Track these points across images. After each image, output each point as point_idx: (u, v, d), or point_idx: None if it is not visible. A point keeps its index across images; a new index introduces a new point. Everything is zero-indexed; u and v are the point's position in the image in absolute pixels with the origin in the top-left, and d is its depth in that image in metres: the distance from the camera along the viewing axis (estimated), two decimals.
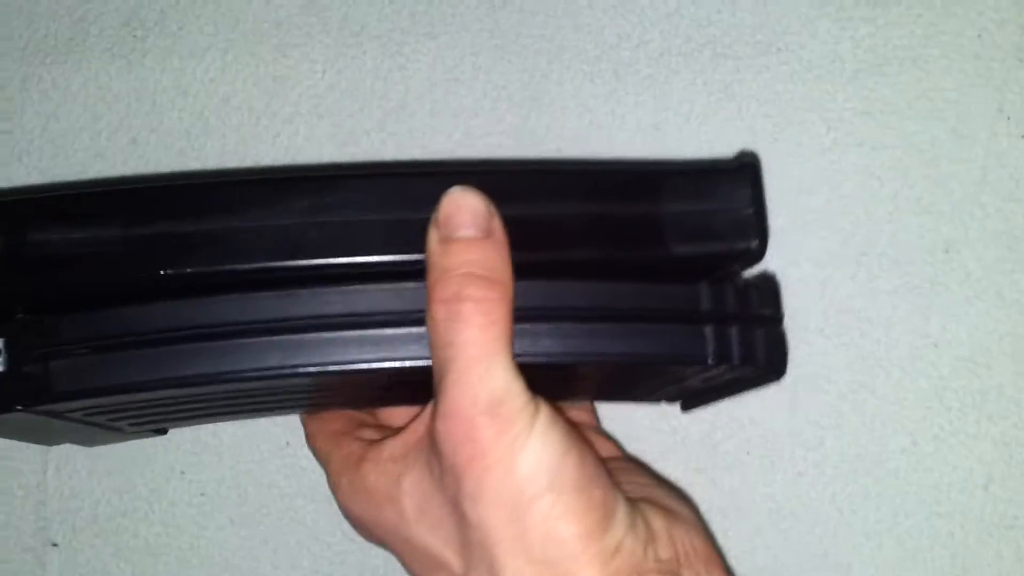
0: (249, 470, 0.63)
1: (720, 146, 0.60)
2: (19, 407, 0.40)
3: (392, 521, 0.45)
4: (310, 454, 0.60)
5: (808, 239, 0.59)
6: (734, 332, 0.42)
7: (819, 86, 0.60)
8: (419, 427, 0.45)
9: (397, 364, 0.40)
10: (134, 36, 0.65)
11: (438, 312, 0.39)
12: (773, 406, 0.59)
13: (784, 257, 0.60)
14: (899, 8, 0.59)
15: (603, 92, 0.61)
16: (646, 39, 0.61)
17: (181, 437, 0.63)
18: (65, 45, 0.65)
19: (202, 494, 0.64)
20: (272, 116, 0.64)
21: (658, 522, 0.43)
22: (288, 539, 0.63)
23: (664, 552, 0.42)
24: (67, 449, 0.63)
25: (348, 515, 0.50)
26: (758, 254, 0.42)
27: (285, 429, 0.63)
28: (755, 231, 0.41)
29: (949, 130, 0.58)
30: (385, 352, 0.40)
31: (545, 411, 0.40)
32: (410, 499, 0.43)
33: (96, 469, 0.64)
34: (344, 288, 0.40)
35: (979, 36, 0.58)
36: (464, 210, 0.39)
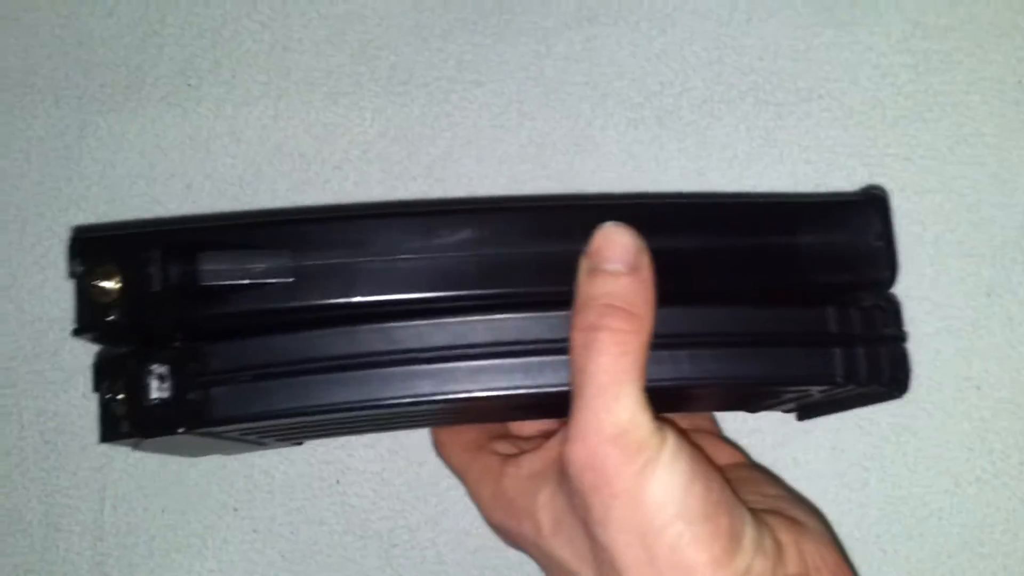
0: (300, 507, 0.64)
1: (764, 190, 0.61)
2: (181, 429, 0.42)
3: (530, 533, 0.45)
4: (360, 492, 0.61)
5: None
6: (861, 352, 0.44)
7: (860, 132, 0.60)
8: (555, 445, 0.45)
9: (539, 391, 0.42)
10: (189, 84, 0.67)
11: (576, 338, 0.40)
12: (817, 447, 0.60)
13: None
14: (939, 55, 0.59)
15: (646, 138, 0.62)
16: (689, 86, 0.62)
17: (235, 475, 0.64)
18: (122, 93, 0.67)
19: (255, 531, 0.66)
20: (322, 162, 0.65)
21: (786, 536, 0.44)
22: (338, 574, 0.64)
23: (793, 567, 0.43)
24: (124, 486, 0.65)
25: (490, 522, 0.51)
26: (889, 283, 0.44)
27: (336, 468, 0.64)
28: (887, 262, 0.44)
29: (990, 175, 0.59)
30: (530, 380, 0.42)
31: (672, 440, 0.40)
32: (546, 514, 0.44)
33: (151, 507, 0.66)
34: (494, 316, 0.42)
35: (1019, 82, 0.59)
36: (615, 245, 0.41)
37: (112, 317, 0.42)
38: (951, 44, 0.59)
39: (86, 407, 0.66)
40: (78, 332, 0.44)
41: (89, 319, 0.43)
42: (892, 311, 0.45)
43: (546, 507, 0.44)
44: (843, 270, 0.44)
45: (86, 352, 0.61)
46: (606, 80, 0.62)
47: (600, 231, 0.41)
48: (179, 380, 0.42)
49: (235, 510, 0.65)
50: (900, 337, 0.45)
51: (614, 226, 0.41)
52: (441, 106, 0.64)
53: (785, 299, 0.43)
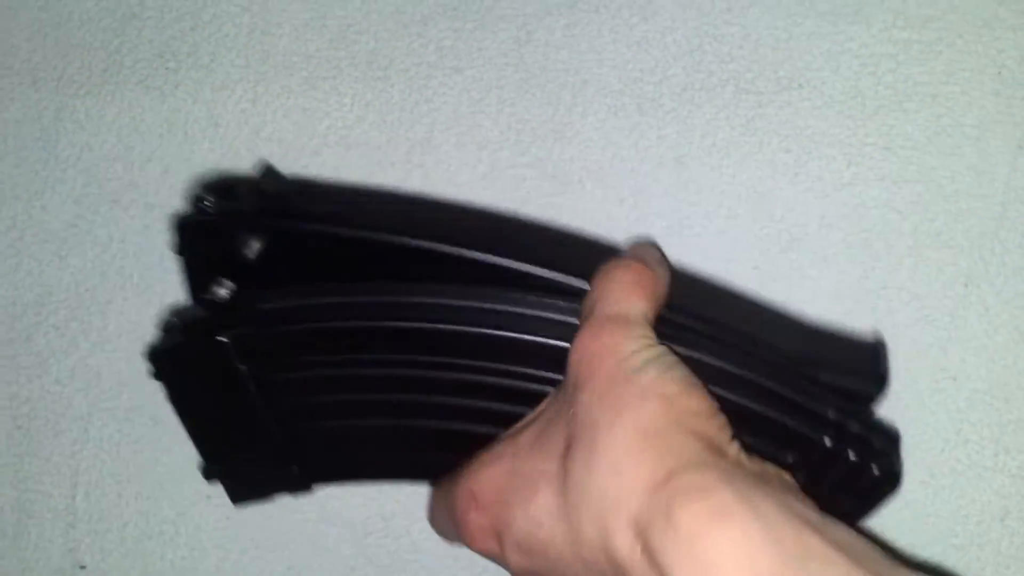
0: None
1: (743, 179, 0.61)
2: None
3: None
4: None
5: (828, 273, 0.60)
6: (854, 425, 0.46)
7: (840, 121, 0.60)
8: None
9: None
10: (167, 68, 0.66)
11: (604, 268, 0.45)
12: None
13: (805, 291, 0.60)
14: (920, 45, 0.59)
15: (626, 126, 0.62)
16: (669, 74, 0.62)
17: None
18: (99, 76, 0.67)
19: (227, 518, 0.65)
20: (301, 148, 0.65)
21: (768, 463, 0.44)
22: (311, 562, 0.64)
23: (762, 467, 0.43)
24: (96, 473, 0.64)
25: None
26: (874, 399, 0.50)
27: None
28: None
29: (969, 166, 0.59)
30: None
31: (672, 355, 0.43)
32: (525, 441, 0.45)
33: (124, 493, 0.65)
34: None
35: (999, 73, 0.59)
36: (637, 248, 0.48)
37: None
38: (931, 34, 0.59)
39: (59, 392, 0.65)
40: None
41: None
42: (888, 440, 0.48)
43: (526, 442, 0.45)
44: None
45: (58, 337, 0.61)
46: (586, 67, 0.62)
47: (629, 247, 0.48)
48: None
49: (208, 497, 0.65)
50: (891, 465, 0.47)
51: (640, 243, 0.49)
52: (421, 92, 0.64)
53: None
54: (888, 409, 0.58)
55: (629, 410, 0.40)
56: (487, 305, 0.46)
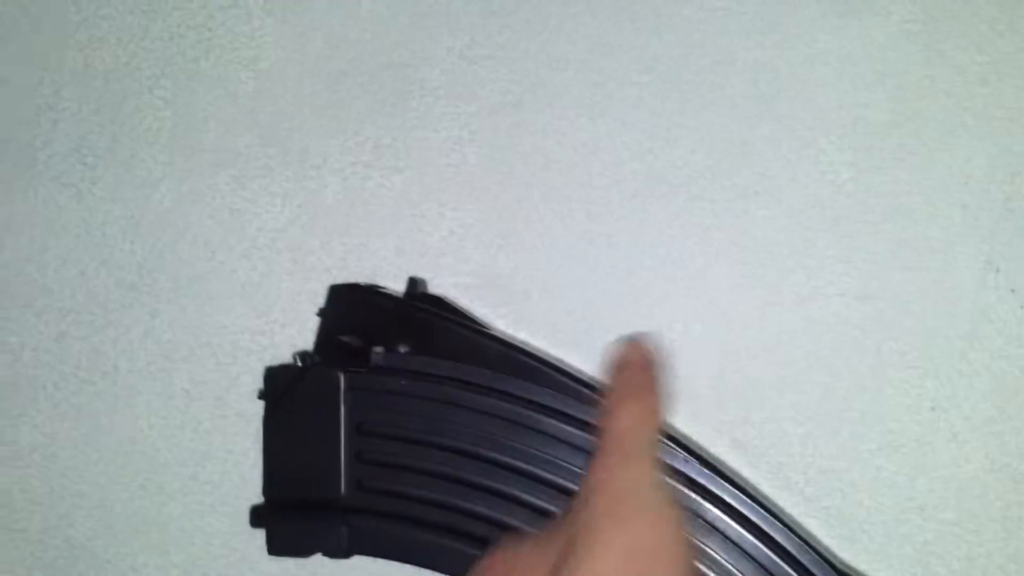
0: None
1: (697, 292, 0.57)
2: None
3: None
4: None
5: (787, 393, 0.57)
6: None
7: (799, 232, 0.57)
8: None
9: None
10: (84, 164, 0.62)
11: (607, 403, 0.48)
12: None
13: (763, 411, 0.57)
14: (882, 153, 0.56)
15: (574, 233, 0.59)
16: (619, 178, 0.58)
17: None
18: (11, 171, 0.63)
19: None
20: (229, 250, 0.61)
21: None
22: None
23: None
24: None
25: None
26: None
27: None
28: None
29: (934, 281, 0.56)
30: None
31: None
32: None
33: None
34: None
35: (966, 183, 0.56)
36: (630, 347, 0.49)
37: None
38: (894, 141, 0.56)
39: None
40: None
41: None
42: None
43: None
44: None
45: None
46: (532, 170, 0.59)
47: (619, 343, 0.49)
48: None
49: None
50: None
51: (630, 339, 0.50)
52: (357, 193, 0.60)
53: None
54: (852, 541, 0.55)
55: (624, 536, 0.43)
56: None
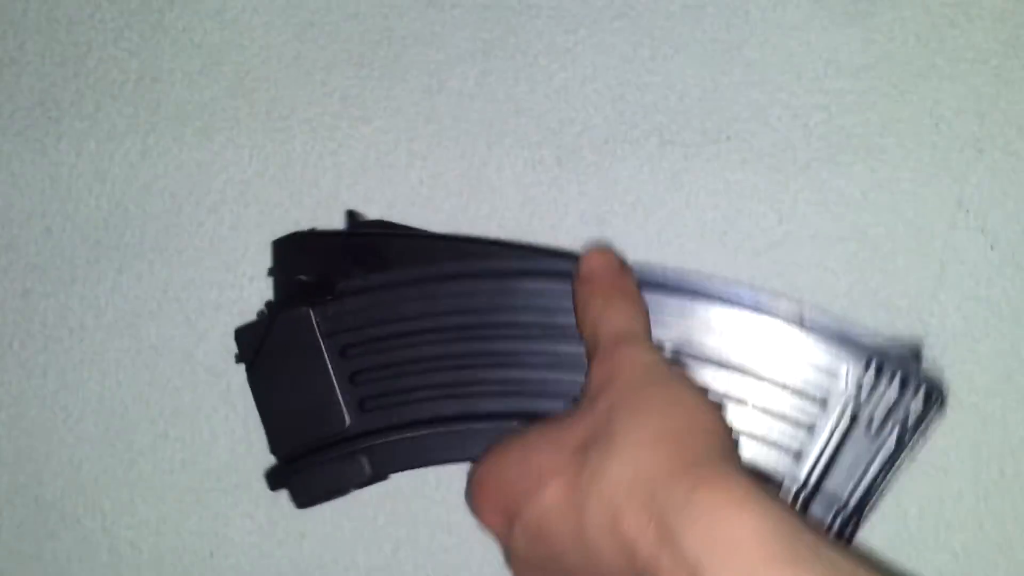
0: None
1: (668, 237, 0.57)
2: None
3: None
4: (236, 565, 0.57)
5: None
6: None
7: (770, 176, 0.57)
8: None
9: None
10: (48, 117, 0.61)
11: (586, 316, 0.49)
12: None
13: None
14: (853, 95, 0.56)
15: (545, 180, 0.58)
16: (590, 125, 0.58)
17: (98, 548, 0.59)
18: None
19: None
20: (196, 204, 0.60)
21: None
22: None
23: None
24: None
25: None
26: None
27: (210, 541, 0.59)
28: None
29: (906, 222, 0.56)
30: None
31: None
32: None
33: None
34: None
35: (936, 125, 0.56)
36: (598, 259, 0.50)
37: None
38: (865, 84, 0.56)
39: None
40: None
41: None
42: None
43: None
44: None
45: None
46: (502, 118, 0.58)
47: (586, 253, 0.50)
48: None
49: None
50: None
51: (596, 248, 0.51)
52: (325, 144, 0.60)
53: None
54: None
55: (650, 412, 0.43)
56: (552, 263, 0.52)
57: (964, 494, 0.56)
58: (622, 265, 0.50)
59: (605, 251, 0.51)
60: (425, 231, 0.56)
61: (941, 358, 0.56)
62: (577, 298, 0.50)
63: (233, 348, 0.54)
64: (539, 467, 0.44)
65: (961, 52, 0.56)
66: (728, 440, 0.44)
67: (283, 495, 0.53)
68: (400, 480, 0.57)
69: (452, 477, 0.58)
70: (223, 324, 0.60)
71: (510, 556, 0.47)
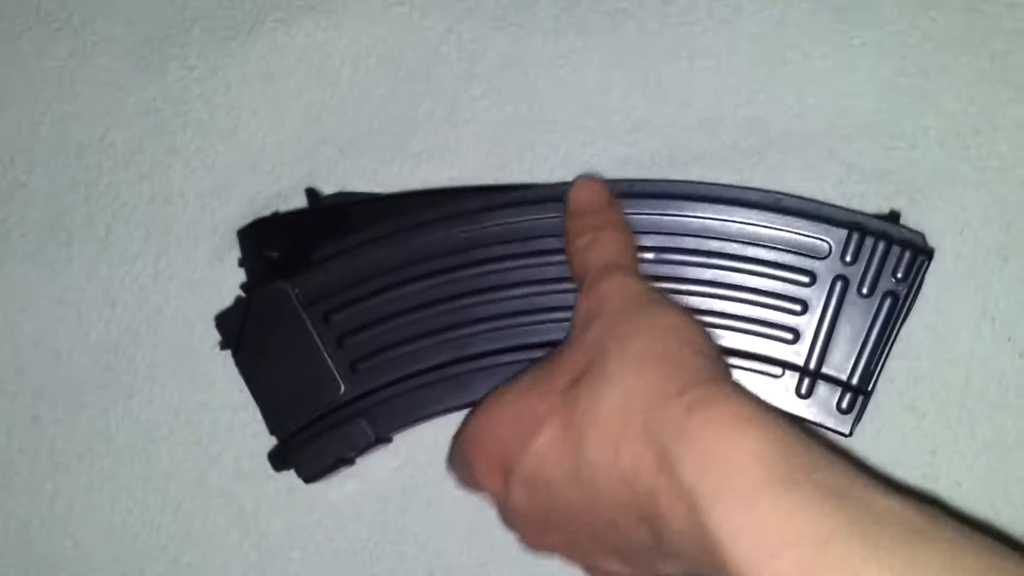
0: None
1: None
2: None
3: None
4: None
5: None
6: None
7: None
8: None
9: None
10: (58, 241, 0.61)
11: (576, 251, 0.49)
12: None
13: None
14: (876, 199, 0.56)
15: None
16: None
17: None
18: None
19: None
20: (208, 326, 0.59)
21: None
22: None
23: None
24: None
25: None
26: None
27: None
28: None
29: (928, 327, 0.55)
30: None
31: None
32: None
33: None
34: None
35: (961, 233, 0.55)
36: (586, 190, 0.50)
37: None
38: (889, 188, 0.56)
39: None
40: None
41: None
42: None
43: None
44: None
45: None
46: None
47: (575, 184, 0.51)
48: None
49: None
50: None
51: (584, 178, 0.51)
52: None
53: None
54: None
55: (640, 337, 0.42)
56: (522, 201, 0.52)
57: None
58: (610, 197, 0.50)
59: (593, 183, 0.51)
60: (388, 193, 0.57)
61: (974, 465, 0.54)
62: (567, 232, 0.50)
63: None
64: (531, 413, 0.44)
65: (986, 160, 0.55)
66: (720, 359, 0.43)
67: None
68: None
69: None
70: (236, 447, 0.59)
71: (509, 514, 0.46)
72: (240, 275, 0.58)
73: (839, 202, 0.56)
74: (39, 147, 0.61)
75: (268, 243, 0.56)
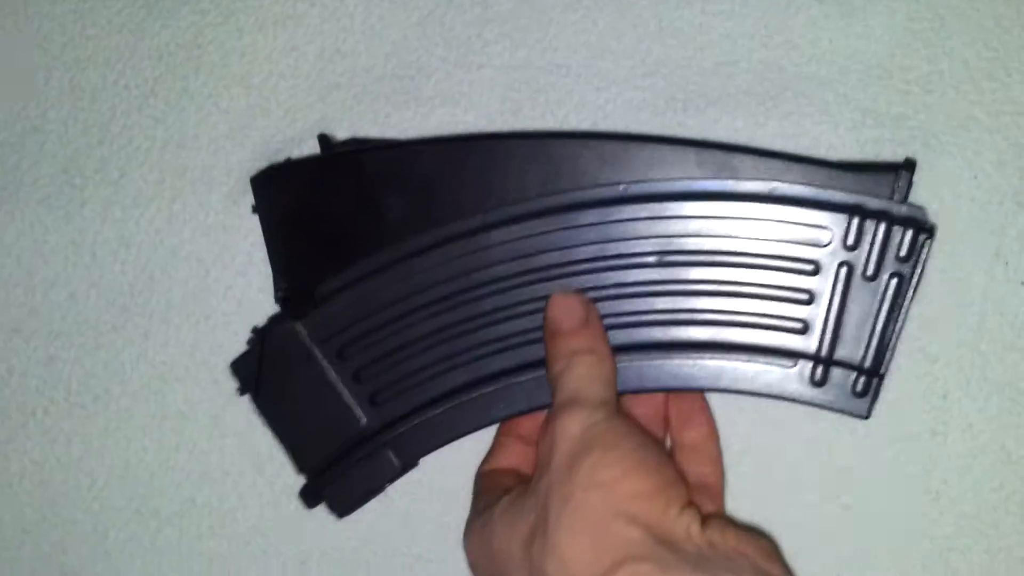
0: None
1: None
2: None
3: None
4: None
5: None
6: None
7: None
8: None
9: None
10: (72, 185, 0.61)
11: (553, 375, 0.48)
12: None
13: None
14: (891, 144, 0.56)
15: None
16: None
17: None
18: None
19: None
20: (223, 268, 0.60)
21: (730, 529, 0.44)
22: None
23: (719, 536, 0.43)
24: None
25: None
26: None
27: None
28: None
29: (941, 271, 0.56)
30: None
31: (624, 416, 0.46)
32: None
33: None
34: None
35: (975, 177, 0.56)
36: (565, 308, 0.49)
37: None
38: (903, 134, 0.56)
39: None
40: None
41: None
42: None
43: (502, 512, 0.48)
44: None
45: None
46: None
47: (551, 301, 0.50)
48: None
49: None
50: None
51: (561, 294, 0.50)
52: None
53: None
54: (870, 539, 0.54)
55: (572, 501, 0.43)
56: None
57: (1014, 549, 0.55)
58: (587, 314, 0.50)
59: (568, 299, 0.50)
60: (401, 140, 0.57)
61: (986, 407, 0.55)
62: (546, 350, 0.50)
63: None
64: (500, 557, 0.45)
65: (1000, 105, 0.55)
66: (661, 512, 0.43)
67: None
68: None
69: None
70: None
71: None
72: (253, 222, 0.57)
73: (854, 148, 0.56)
74: (52, 92, 0.61)
75: (281, 191, 0.56)
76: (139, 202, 0.60)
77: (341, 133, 0.59)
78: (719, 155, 0.52)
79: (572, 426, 0.45)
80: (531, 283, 0.52)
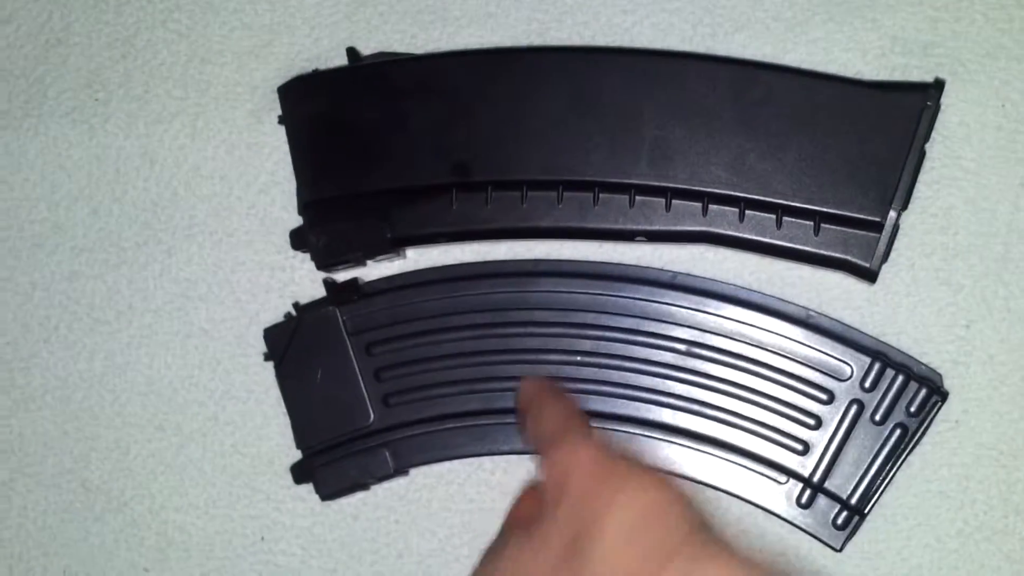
0: (220, 567, 0.58)
1: None
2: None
3: None
4: (287, 549, 0.56)
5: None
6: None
7: None
8: None
9: None
10: (96, 99, 0.61)
11: (529, 427, 0.47)
12: None
13: None
14: (919, 71, 0.56)
15: None
16: None
17: (146, 531, 0.58)
18: (20, 108, 0.61)
19: None
20: (246, 186, 0.60)
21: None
22: None
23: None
24: (20, 545, 0.58)
25: None
26: None
27: (261, 524, 0.58)
28: None
29: (967, 200, 0.55)
30: None
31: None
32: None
33: (51, 567, 0.60)
34: None
35: (1003, 106, 0.55)
36: (532, 392, 0.48)
37: None
38: (931, 61, 0.56)
39: None
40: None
41: None
42: None
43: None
44: None
45: None
46: None
47: (520, 388, 0.49)
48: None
49: (146, 571, 0.59)
50: None
51: (527, 381, 0.50)
52: None
53: None
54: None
55: (617, 500, 0.40)
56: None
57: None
58: (550, 384, 0.50)
59: (534, 380, 0.51)
60: (428, 53, 0.57)
61: (1009, 337, 0.55)
62: (522, 425, 0.48)
63: None
64: None
65: None
66: (700, 512, 0.41)
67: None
68: (455, 465, 0.57)
69: (511, 464, 0.57)
70: (275, 306, 0.59)
71: None
72: (277, 140, 0.57)
73: (881, 75, 0.55)
74: (76, 4, 0.61)
75: (309, 102, 0.56)
76: (163, 118, 0.60)
77: (367, 51, 0.58)
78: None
79: (580, 448, 0.43)
80: (565, 336, 0.55)
